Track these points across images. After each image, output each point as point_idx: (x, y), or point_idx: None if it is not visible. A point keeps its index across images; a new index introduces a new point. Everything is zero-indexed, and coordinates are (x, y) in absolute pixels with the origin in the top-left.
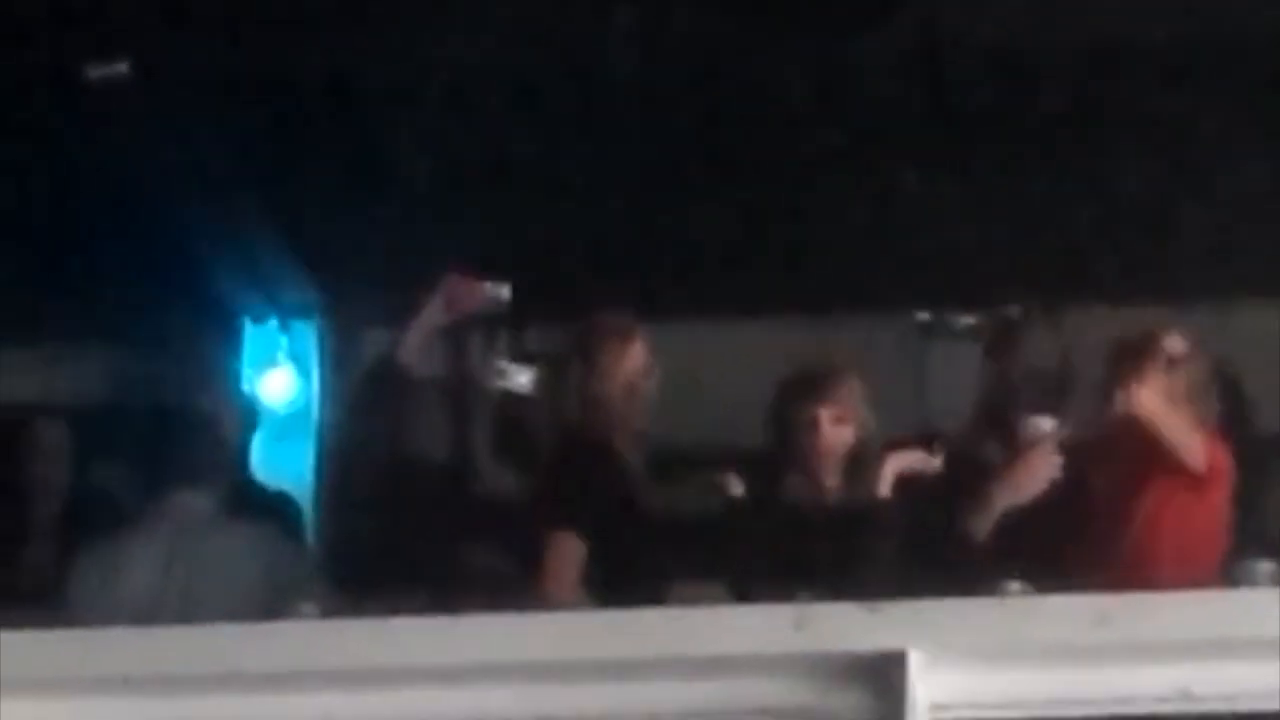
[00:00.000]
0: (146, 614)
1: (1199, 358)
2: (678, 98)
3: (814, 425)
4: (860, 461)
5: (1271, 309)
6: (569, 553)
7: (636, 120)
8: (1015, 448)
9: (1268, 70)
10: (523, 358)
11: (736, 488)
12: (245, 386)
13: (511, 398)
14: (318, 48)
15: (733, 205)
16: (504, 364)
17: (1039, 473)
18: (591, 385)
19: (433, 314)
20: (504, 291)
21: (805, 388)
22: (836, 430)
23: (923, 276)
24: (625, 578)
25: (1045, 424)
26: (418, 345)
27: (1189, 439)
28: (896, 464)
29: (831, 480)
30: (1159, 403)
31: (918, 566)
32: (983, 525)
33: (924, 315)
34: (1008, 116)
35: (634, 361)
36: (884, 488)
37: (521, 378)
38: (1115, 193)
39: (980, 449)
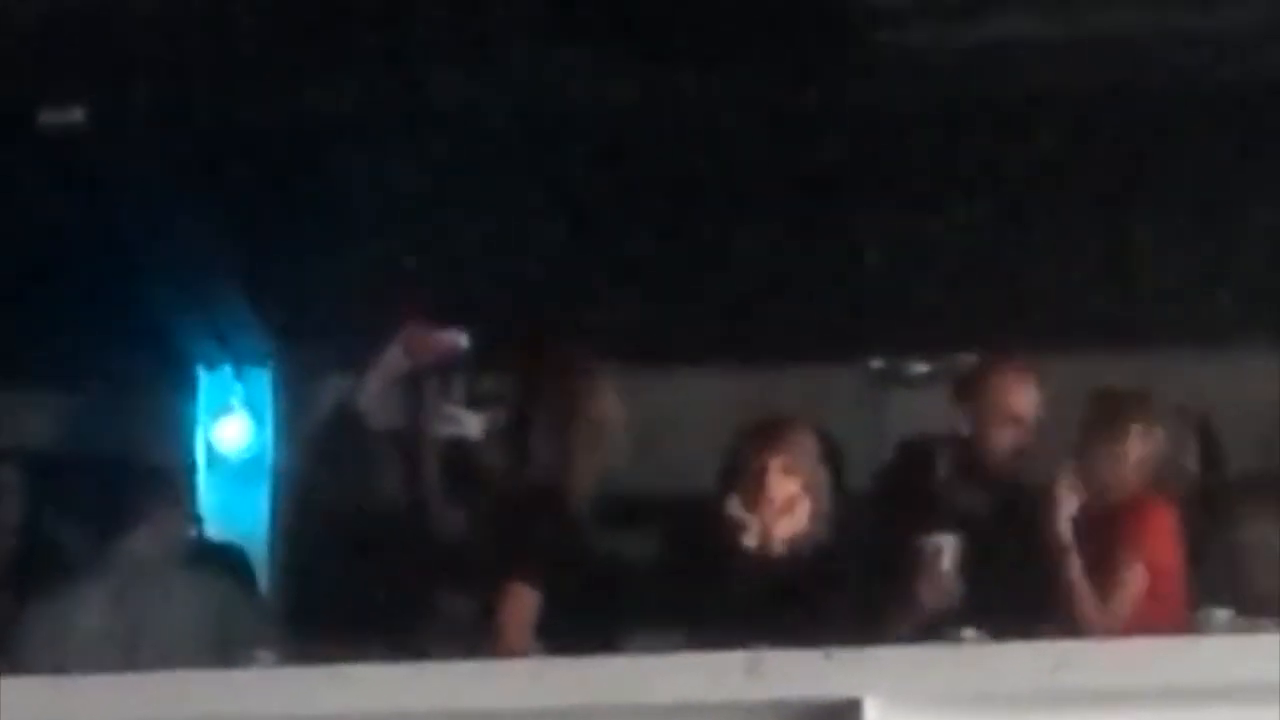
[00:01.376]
0: (97, 661)
1: (1165, 422)
2: (635, 146)
3: (762, 474)
4: (814, 512)
5: (1231, 357)
6: (523, 602)
7: (593, 168)
8: (917, 564)
9: (1239, 116)
10: (476, 404)
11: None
12: (200, 433)
13: (461, 444)
14: (273, 95)
15: (690, 253)
16: (453, 410)
17: (934, 595)
18: (550, 430)
19: (391, 363)
20: (462, 340)
21: (758, 437)
22: (784, 481)
23: (878, 325)
24: (579, 625)
25: (945, 543)
26: (376, 394)
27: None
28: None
29: (780, 529)
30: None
31: (869, 614)
32: (888, 625)
33: (879, 362)
34: (964, 165)
35: (599, 404)
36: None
37: (471, 424)
38: (1074, 240)
39: (924, 480)
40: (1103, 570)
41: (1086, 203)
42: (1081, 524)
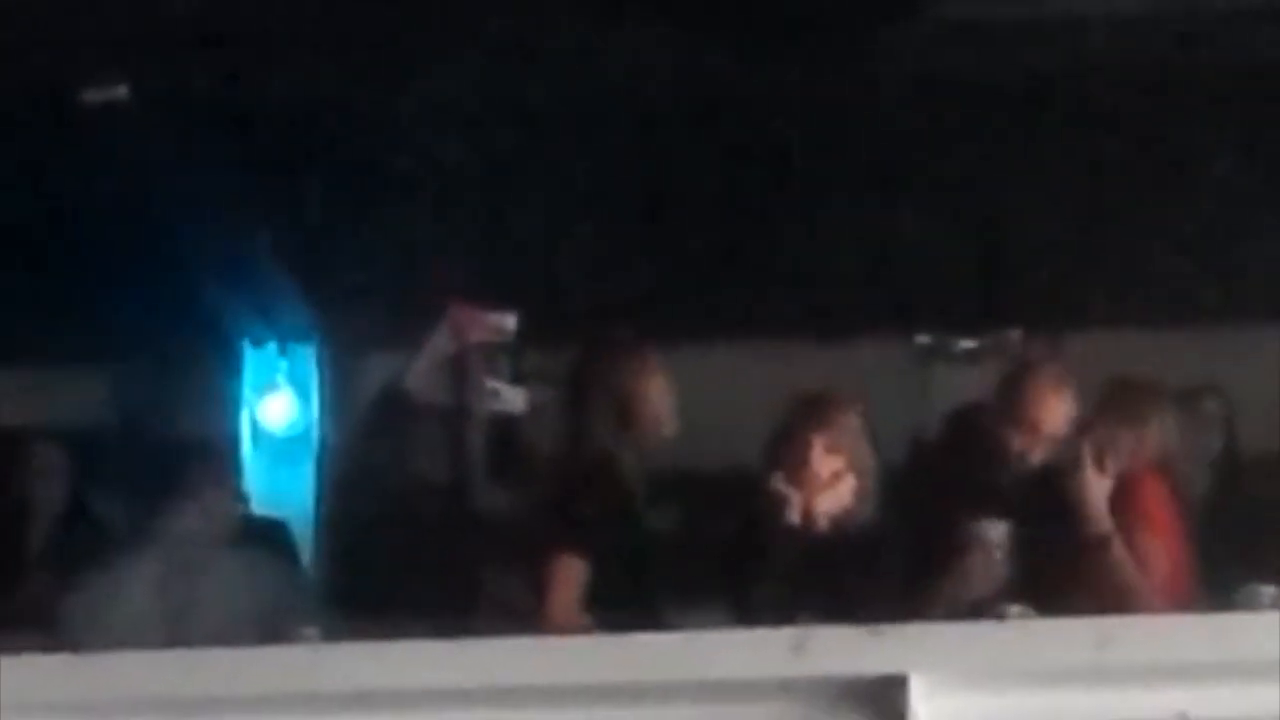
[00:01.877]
0: (145, 638)
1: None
2: (679, 124)
3: (806, 450)
4: (859, 489)
5: (1270, 332)
6: (571, 575)
7: (638, 146)
8: (961, 546)
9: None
10: (521, 380)
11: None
12: (245, 410)
13: (506, 420)
14: (319, 70)
15: (735, 230)
16: (497, 385)
17: (977, 579)
18: (600, 407)
19: (439, 343)
20: (509, 321)
21: (802, 413)
22: (827, 458)
23: (924, 300)
24: (626, 601)
25: (992, 530)
26: (425, 374)
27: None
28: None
29: (823, 505)
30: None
31: (913, 592)
32: (930, 608)
33: (924, 338)
34: (1006, 143)
35: (650, 382)
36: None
37: (515, 399)
38: (1111, 218)
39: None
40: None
41: (1131, 181)
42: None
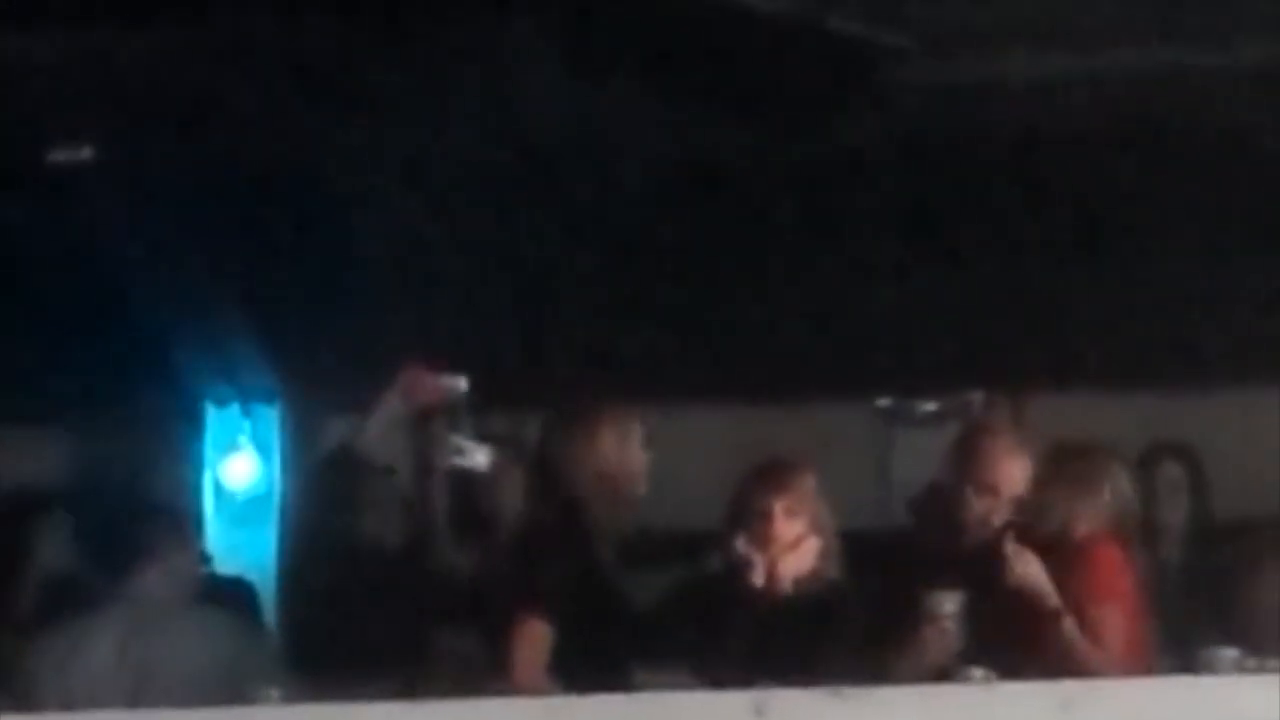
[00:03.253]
0: (106, 699)
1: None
2: (643, 189)
3: (767, 516)
4: (820, 551)
5: (1232, 397)
6: (535, 637)
7: (602, 210)
8: (917, 618)
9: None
10: (485, 439)
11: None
12: (208, 471)
13: (469, 478)
14: (284, 136)
15: (698, 292)
16: (461, 442)
17: (934, 651)
18: (568, 467)
19: (391, 406)
20: (461, 383)
21: (763, 479)
22: (789, 522)
23: (885, 363)
24: (591, 663)
25: (948, 603)
26: (376, 436)
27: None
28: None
29: (786, 569)
30: (1034, 566)
31: (875, 655)
32: (888, 676)
33: (886, 401)
34: (968, 205)
35: (619, 441)
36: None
37: (479, 457)
38: (1074, 280)
39: (928, 535)
40: (1074, 610)
41: (1088, 241)
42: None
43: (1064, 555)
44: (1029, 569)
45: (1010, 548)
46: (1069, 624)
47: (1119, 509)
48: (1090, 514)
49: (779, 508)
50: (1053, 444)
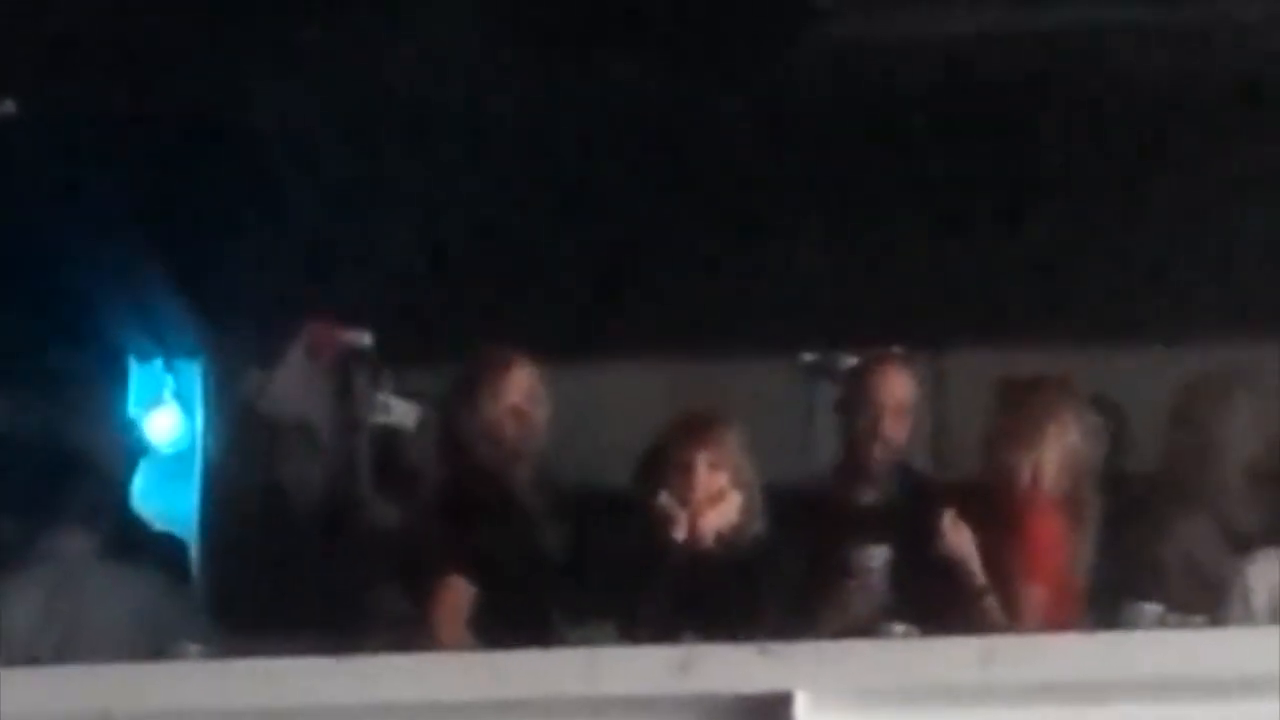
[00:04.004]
0: (28, 653)
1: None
2: (564, 140)
3: (689, 469)
4: (743, 507)
5: (1148, 352)
6: (458, 596)
7: (521, 162)
8: (841, 573)
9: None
10: (407, 396)
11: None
12: (130, 426)
13: (394, 434)
14: (203, 87)
15: (622, 246)
16: (386, 399)
17: (856, 606)
18: (475, 419)
19: (293, 362)
20: (365, 338)
21: (685, 432)
22: (712, 476)
23: (808, 318)
24: (514, 619)
25: (873, 558)
26: (280, 394)
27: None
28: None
29: (708, 523)
30: (965, 541)
31: (798, 609)
32: (812, 631)
33: (809, 356)
34: (890, 160)
35: (517, 390)
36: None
37: (403, 412)
38: (999, 235)
39: (852, 491)
40: (1001, 582)
41: (1013, 197)
42: (978, 525)
43: (1003, 515)
44: (961, 544)
45: (948, 519)
46: (990, 601)
47: (1067, 456)
48: (1037, 461)
49: (702, 461)
50: (1004, 382)
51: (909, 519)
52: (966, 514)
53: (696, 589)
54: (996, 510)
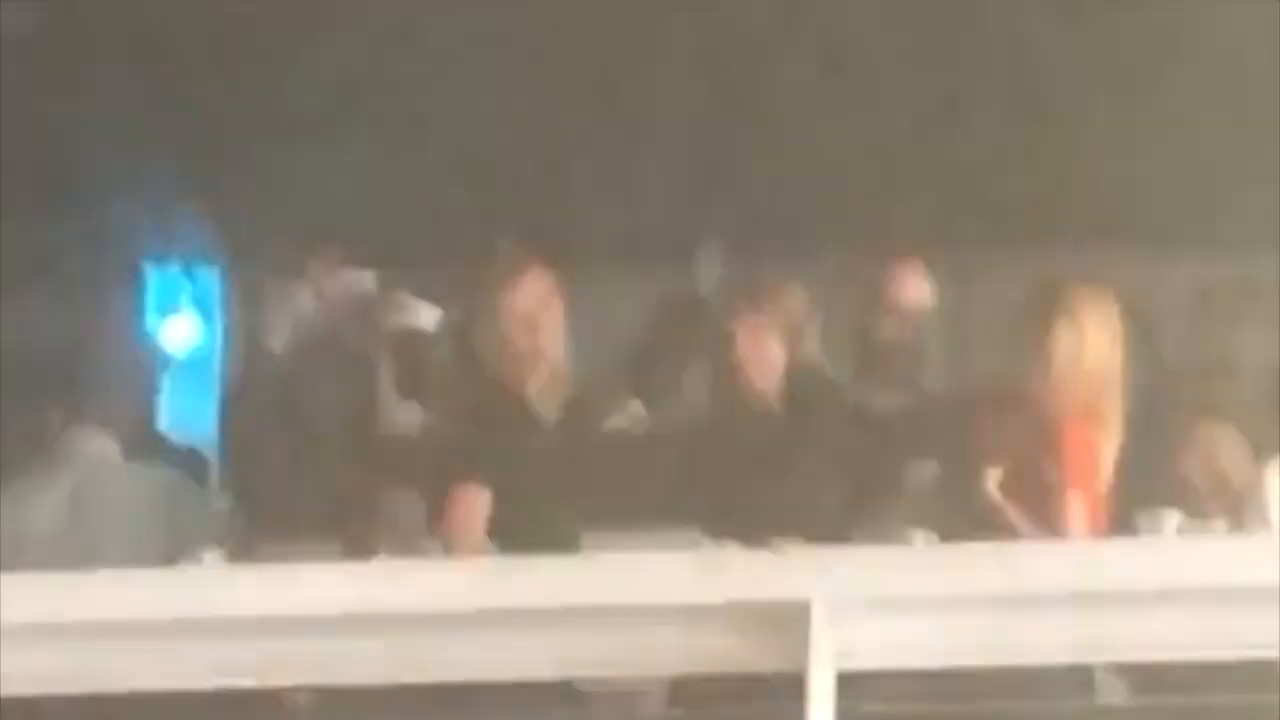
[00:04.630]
0: (50, 558)
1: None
2: (558, 50)
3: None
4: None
5: (1172, 259)
6: (474, 502)
7: (525, 76)
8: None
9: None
10: (429, 299)
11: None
12: (149, 331)
13: (416, 336)
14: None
15: (629, 145)
16: (407, 299)
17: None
18: (489, 328)
19: (301, 302)
20: (368, 278)
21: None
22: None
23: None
24: (531, 526)
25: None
26: (287, 334)
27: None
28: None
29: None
30: (1008, 519)
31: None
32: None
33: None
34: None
35: (530, 297)
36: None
37: (424, 315)
38: (1011, 134)
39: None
40: (1040, 493)
41: (1027, 94)
42: (1012, 436)
43: (1035, 423)
44: (1003, 517)
45: (990, 493)
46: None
47: (1098, 362)
48: (1067, 366)
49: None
50: (1030, 286)
51: (934, 429)
52: (996, 423)
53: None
54: (1028, 418)
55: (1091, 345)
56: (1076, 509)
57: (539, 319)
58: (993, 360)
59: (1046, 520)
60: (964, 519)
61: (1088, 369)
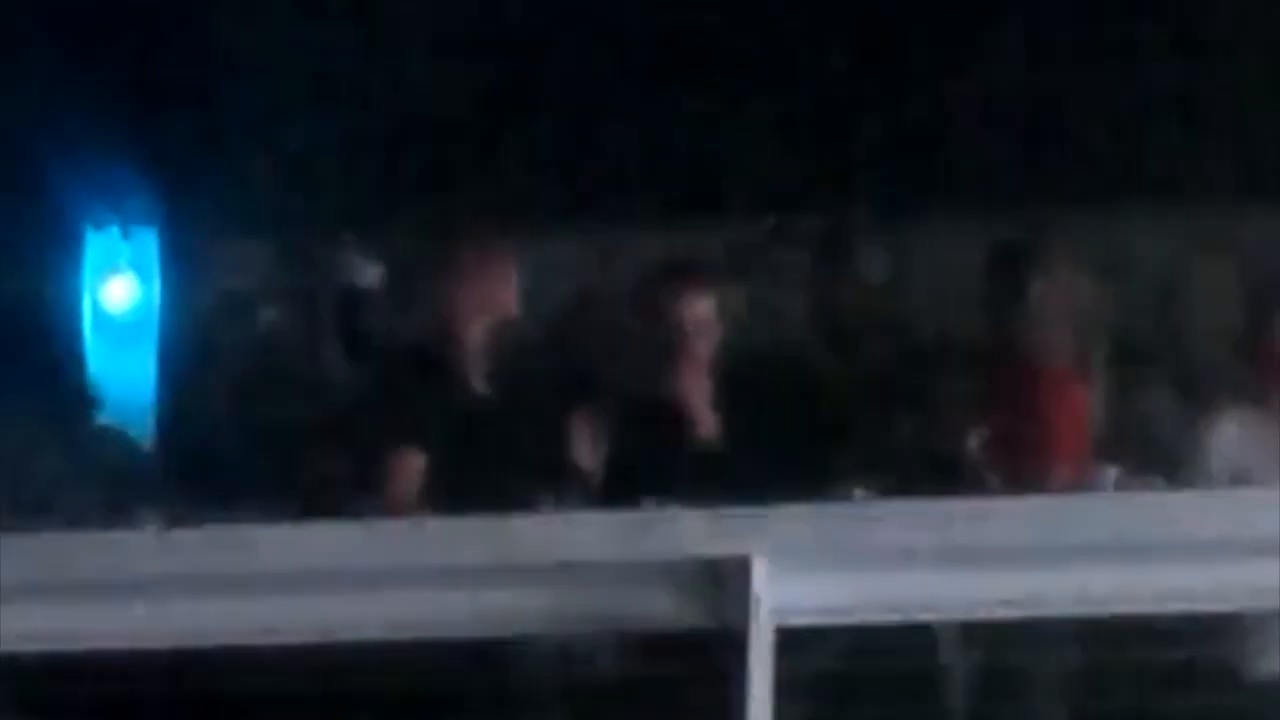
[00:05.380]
0: None
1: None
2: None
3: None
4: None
5: (1119, 215)
6: (409, 466)
7: (501, 46)
8: None
9: None
10: (373, 259)
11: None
12: (87, 293)
13: (357, 294)
14: None
15: (579, 112)
16: (352, 258)
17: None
18: (445, 296)
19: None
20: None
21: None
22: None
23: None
24: (468, 490)
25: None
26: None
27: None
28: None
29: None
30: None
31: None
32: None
33: (770, 221)
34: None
35: (497, 273)
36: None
37: (368, 273)
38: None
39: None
40: (1023, 455)
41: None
42: (994, 389)
43: (1018, 386)
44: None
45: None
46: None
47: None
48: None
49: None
50: (993, 247)
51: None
52: (975, 387)
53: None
54: (1010, 382)
55: (1070, 299)
56: (1064, 476)
57: (492, 282)
58: (962, 323)
59: (1028, 477)
60: (937, 478)
61: (1069, 323)
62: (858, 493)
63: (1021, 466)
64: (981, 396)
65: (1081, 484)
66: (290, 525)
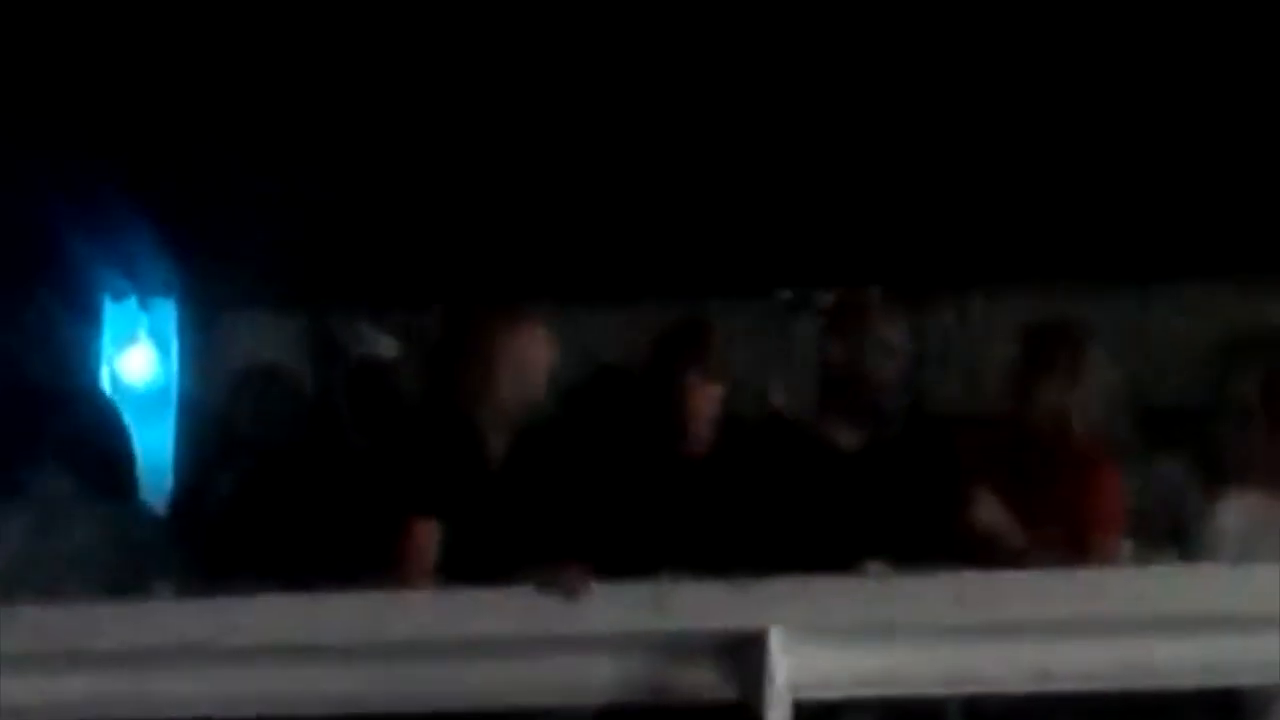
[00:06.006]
0: (7, 593)
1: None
2: (553, 86)
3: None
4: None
5: (1132, 295)
6: (425, 538)
7: (520, 112)
8: None
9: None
10: (392, 332)
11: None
12: (105, 364)
13: (373, 366)
14: (185, 19)
15: (595, 189)
16: (366, 329)
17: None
18: (472, 368)
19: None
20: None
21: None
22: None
23: (787, 255)
24: (485, 562)
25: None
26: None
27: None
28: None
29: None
30: (997, 513)
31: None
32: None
33: (787, 293)
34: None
35: (525, 354)
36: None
37: (384, 344)
38: (992, 172)
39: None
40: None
41: (1011, 127)
42: (1019, 473)
43: (1060, 462)
44: (992, 515)
45: (978, 493)
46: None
47: (1106, 400)
48: (1079, 406)
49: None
50: (1025, 326)
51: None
52: (999, 462)
53: (677, 518)
54: (1041, 458)
55: (1096, 379)
56: (1110, 549)
57: (530, 364)
58: (983, 395)
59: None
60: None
61: (1094, 403)
62: (873, 566)
63: (1048, 544)
64: (1000, 468)
65: (1105, 559)
66: (300, 596)
